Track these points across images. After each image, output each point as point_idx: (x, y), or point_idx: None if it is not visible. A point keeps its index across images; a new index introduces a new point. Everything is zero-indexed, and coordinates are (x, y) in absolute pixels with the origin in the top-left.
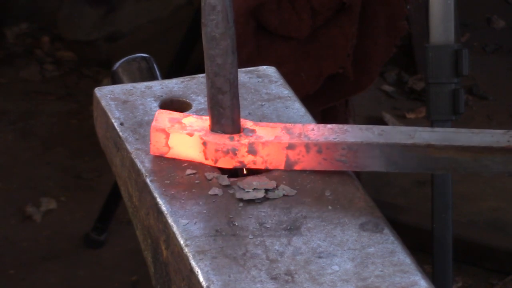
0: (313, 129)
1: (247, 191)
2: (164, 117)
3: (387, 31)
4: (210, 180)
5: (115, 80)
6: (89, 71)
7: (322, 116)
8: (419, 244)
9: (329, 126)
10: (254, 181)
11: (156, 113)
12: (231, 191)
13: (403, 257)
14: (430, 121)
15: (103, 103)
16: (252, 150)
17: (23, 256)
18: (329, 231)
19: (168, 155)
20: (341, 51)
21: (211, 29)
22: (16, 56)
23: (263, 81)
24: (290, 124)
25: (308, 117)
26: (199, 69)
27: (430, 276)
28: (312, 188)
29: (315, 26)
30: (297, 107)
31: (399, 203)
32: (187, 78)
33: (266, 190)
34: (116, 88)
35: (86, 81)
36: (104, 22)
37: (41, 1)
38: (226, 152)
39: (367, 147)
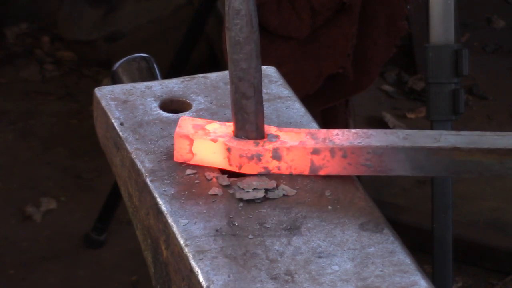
0: (337, 134)
1: (247, 191)
2: (187, 123)
3: (387, 31)
4: (210, 180)
5: (115, 80)
6: (89, 71)
7: (322, 116)
8: (419, 244)
9: (353, 131)
10: (254, 181)
11: (180, 119)
12: (231, 191)
13: (403, 257)
14: (430, 121)
15: (103, 103)
16: (276, 156)
17: (23, 256)
18: (329, 231)
19: (192, 162)
20: (341, 51)
21: (235, 33)
22: (16, 56)
23: (263, 81)
24: (314, 130)
25: (308, 117)
26: (199, 69)
27: (430, 276)
28: (312, 188)
29: (315, 26)
30: (297, 107)
31: (399, 203)
32: (187, 78)
33: (266, 190)
34: (116, 88)
35: (86, 81)
36: (104, 22)
37: (41, 1)
38: (251, 158)
39: (392, 151)
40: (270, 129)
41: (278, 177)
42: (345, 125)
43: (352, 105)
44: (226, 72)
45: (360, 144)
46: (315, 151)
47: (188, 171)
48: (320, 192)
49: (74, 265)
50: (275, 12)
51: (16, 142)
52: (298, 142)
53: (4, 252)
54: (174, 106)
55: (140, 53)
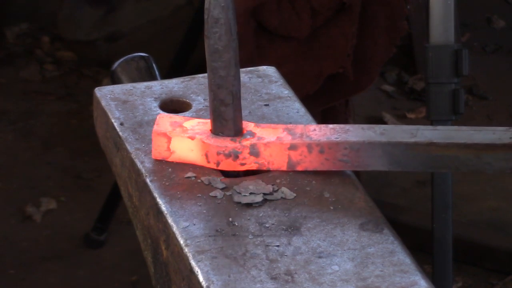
0: (314, 130)
1: (245, 195)
2: (165, 121)
3: (387, 31)
4: (208, 184)
5: (114, 79)
6: (89, 71)
7: (322, 116)
8: (419, 244)
9: (330, 126)
10: (250, 185)
11: (157, 117)
12: (229, 193)
13: (403, 257)
14: (430, 121)
15: (103, 103)
16: (254, 152)
17: (23, 256)
18: (329, 231)
19: (170, 159)
20: (341, 51)
21: (214, 41)
22: (16, 56)
23: (263, 81)
24: (291, 125)
25: (308, 117)
26: (199, 69)
27: (430, 276)
28: (312, 189)
29: (315, 26)
30: (297, 107)
31: (399, 203)
32: (187, 78)
33: (264, 194)
34: (116, 88)
35: (86, 81)
36: (104, 22)
37: (41, 1)
38: (228, 155)
39: (369, 146)
40: (247, 125)
41: (278, 177)
42: None
43: (352, 105)
44: None
45: (337, 139)
46: (292, 147)
47: (189, 174)
48: (319, 193)
49: (74, 265)
50: (275, 12)
51: (16, 142)
52: (275, 138)
53: (4, 252)
54: (174, 106)
55: (140, 53)
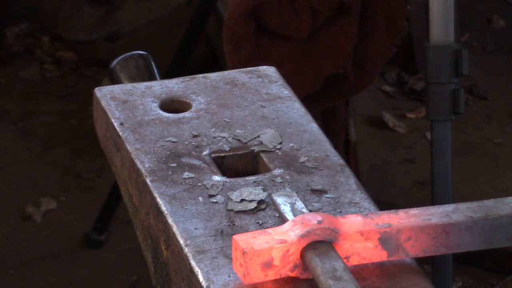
0: (410, 238)
1: (237, 202)
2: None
3: (387, 31)
4: (210, 186)
5: (112, 77)
6: (89, 71)
7: (322, 116)
8: None
9: (426, 230)
10: (246, 191)
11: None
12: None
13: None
14: (430, 121)
15: (103, 103)
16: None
17: (23, 256)
18: None
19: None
20: (341, 51)
21: None
22: (16, 56)
23: (263, 81)
24: (376, 219)
25: (308, 117)
26: (199, 69)
27: (430, 276)
28: (311, 189)
29: (315, 26)
30: (297, 107)
31: (399, 203)
32: (187, 78)
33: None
34: (116, 88)
35: (86, 81)
36: (104, 22)
37: (41, 1)
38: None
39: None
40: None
41: (276, 176)
42: (345, 125)
43: (352, 105)
44: (226, 72)
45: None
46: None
47: (187, 174)
48: (319, 193)
49: (74, 265)
50: (275, 12)
51: (16, 142)
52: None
53: (4, 252)
54: (174, 106)
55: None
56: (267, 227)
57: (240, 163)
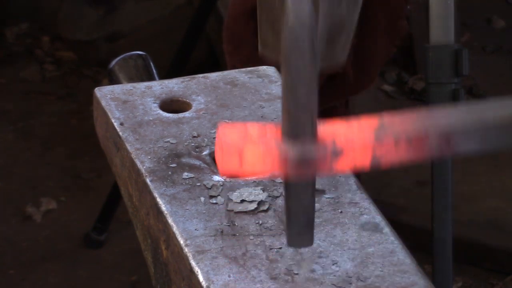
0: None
1: (237, 203)
2: (230, 132)
3: (387, 31)
4: (210, 187)
5: (111, 77)
6: (89, 71)
7: (322, 116)
8: (419, 244)
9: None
10: (245, 192)
11: (219, 128)
12: (228, 194)
13: (403, 257)
14: None
15: (103, 103)
16: (336, 152)
17: (23, 256)
18: (329, 231)
19: (241, 174)
20: None
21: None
22: (16, 56)
23: (263, 81)
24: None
25: None
26: (199, 69)
27: (430, 276)
28: None
29: None
30: None
31: (399, 203)
32: (187, 78)
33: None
34: (116, 88)
35: (86, 81)
36: (104, 22)
37: (41, 1)
38: (305, 162)
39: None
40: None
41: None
42: None
43: (352, 105)
44: (226, 72)
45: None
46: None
47: (187, 174)
48: (319, 193)
49: (74, 265)
50: None
51: (16, 142)
52: (357, 135)
53: (4, 252)
54: (174, 106)
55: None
56: (268, 227)
57: None
